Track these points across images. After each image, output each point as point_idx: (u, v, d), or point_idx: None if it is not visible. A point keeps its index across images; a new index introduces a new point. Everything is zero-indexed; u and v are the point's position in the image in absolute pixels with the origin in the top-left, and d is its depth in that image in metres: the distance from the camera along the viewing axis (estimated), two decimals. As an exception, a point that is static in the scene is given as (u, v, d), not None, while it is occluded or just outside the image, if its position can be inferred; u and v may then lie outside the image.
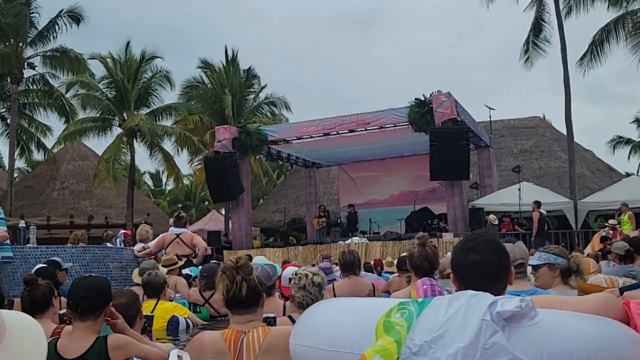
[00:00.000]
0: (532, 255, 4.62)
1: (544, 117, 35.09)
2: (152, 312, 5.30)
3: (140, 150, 30.75)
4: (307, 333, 2.37)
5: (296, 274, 4.03)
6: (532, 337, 1.98)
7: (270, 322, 3.39)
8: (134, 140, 29.10)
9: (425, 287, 3.18)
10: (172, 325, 5.53)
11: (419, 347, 2.03)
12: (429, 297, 2.29)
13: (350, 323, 2.26)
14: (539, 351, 1.94)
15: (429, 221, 21.83)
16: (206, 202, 47.20)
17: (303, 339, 2.37)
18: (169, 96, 30.98)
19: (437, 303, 2.13)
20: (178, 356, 2.51)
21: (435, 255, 4.30)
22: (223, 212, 34.78)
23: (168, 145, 30.99)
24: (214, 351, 2.87)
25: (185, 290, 7.17)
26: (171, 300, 6.24)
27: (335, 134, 21.60)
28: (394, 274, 9.72)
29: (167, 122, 30.97)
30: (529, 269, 4.45)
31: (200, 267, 8.30)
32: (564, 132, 24.52)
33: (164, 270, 7.43)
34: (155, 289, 5.72)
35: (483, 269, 2.34)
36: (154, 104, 30.32)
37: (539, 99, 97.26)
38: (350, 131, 21.14)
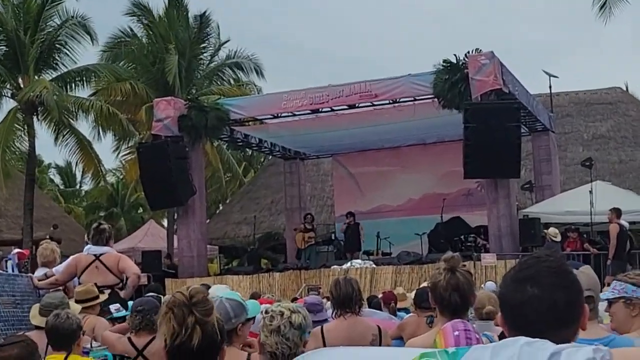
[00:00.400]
0: (609, 284, 4.65)
1: (626, 88, 35.30)
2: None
3: (44, 133, 30.57)
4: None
5: (267, 312, 4.03)
6: None
7: None
8: (34, 118, 28.90)
9: (457, 333, 3.18)
10: None
11: (451, 415, 2.03)
12: (462, 347, 2.29)
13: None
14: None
15: (462, 237, 21.90)
16: (140, 210, 47.14)
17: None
18: (86, 55, 30.89)
19: (476, 354, 2.12)
20: None
21: (470, 285, 4.29)
22: (165, 223, 34.73)
23: (84, 126, 30.85)
24: None
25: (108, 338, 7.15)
26: (87, 354, 6.21)
27: (328, 111, 21.59)
28: (410, 314, 9.76)
29: (84, 93, 30.84)
30: (603, 305, 4.46)
31: (131, 303, 8.27)
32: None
33: (77, 307, 7.39)
34: (64, 338, 5.68)
35: (545, 309, 2.34)
36: (64, 65, 30.15)
37: (619, 64, 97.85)
38: (350, 107, 21.14)
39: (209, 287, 8.69)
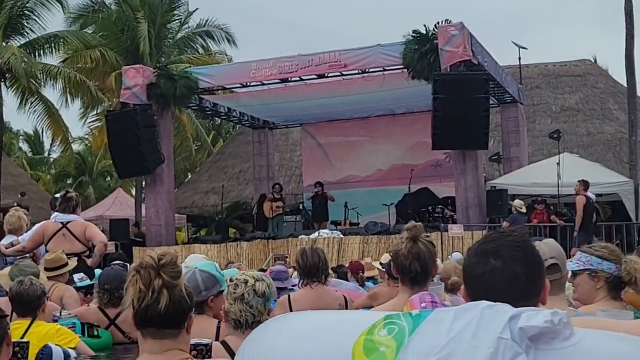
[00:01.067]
0: (574, 256, 4.71)
1: (595, 61, 35.52)
2: (22, 338, 5.26)
3: (11, 100, 30.25)
4: (256, 362, 2.39)
5: (231, 280, 4.05)
6: None
7: (202, 351, 3.37)
8: (2, 84, 28.63)
9: (424, 304, 3.21)
10: (44, 359, 5.51)
11: (413, 375, 2.06)
12: (425, 310, 2.33)
13: (317, 345, 2.28)
14: (575, 384, 1.98)
15: (430, 208, 22.06)
16: (108, 178, 46.87)
17: (249, 370, 2.40)
18: (55, 22, 30.58)
19: (439, 317, 2.16)
20: None
21: (431, 254, 4.29)
22: (134, 192, 34.56)
23: (52, 93, 30.53)
24: None
25: (76, 307, 7.14)
26: (55, 322, 6.21)
27: (297, 81, 21.57)
28: (379, 284, 9.83)
29: (53, 60, 30.51)
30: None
31: (98, 274, 8.25)
32: (624, 82, 24.84)
33: (44, 276, 7.37)
34: (28, 304, 5.66)
35: (506, 282, 2.38)
36: (32, 31, 29.81)
37: (589, 36, 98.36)
38: (319, 77, 21.14)
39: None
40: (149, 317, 2.84)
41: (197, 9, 35.28)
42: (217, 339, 4.21)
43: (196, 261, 6.89)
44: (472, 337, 2.05)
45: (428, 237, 4.42)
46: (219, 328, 4.45)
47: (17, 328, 5.43)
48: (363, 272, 11.11)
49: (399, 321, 2.19)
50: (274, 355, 2.34)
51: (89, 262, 9.31)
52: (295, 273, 8.30)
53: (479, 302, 2.19)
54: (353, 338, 2.19)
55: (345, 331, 2.25)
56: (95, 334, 6.35)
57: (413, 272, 4.20)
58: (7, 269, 7.28)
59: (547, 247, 4.01)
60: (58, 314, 6.46)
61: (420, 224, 4.45)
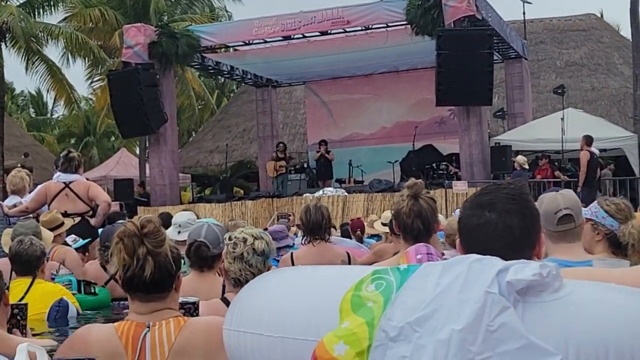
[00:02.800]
0: None
1: (601, 15, 35.22)
2: (24, 296, 5.31)
3: (12, 59, 30.16)
4: (247, 316, 2.41)
5: (230, 239, 4.06)
6: (555, 317, 2.01)
7: (190, 309, 3.41)
8: (2, 44, 28.52)
9: (419, 256, 3.21)
10: (60, 311, 5.56)
11: (399, 330, 2.06)
12: (413, 264, 2.34)
13: (305, 300, 2.30)
14: (563, 336, 1.97)
15: (434, 165, 22.04)
16: (112, 138, 46.85)
17: (241, 323, 2.41)
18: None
19: (426, 271, 2.16)
20: (29, 352, 2.45)
21: (433, 211, 4.32)
22: (137, 151, 34.60)
23: (54, 52, 30.41)
24: (104, 353, 2.85)
25: (78, 269, 7.17)
26: (52, 279, 6.26)
27: (300, 38, 21.46)
28: (382, 241, 9.86)
29: (53, 19, 30.37)
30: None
31: (100, 232, 8.29)
32: (629, 36, 24.67)
33: (50, 235, 7.41)
34: (28, 264, 5.69)
35: (499, 234, 2.40)
36: (32, -11, 29.63)
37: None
38: (322, 34, 21.03)
39: (169, 216, 8.69)
40: (135, 284, 2.91)
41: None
42: (222, 296, 4.25)
43: (182, 218, 6.94)
44: (459, 291, 2.06)
45: (428, 193, 4.43)
46: (224, 286, 4.47)
47: (17, 285, 5.49)
48: (362, 231, 11.11)
49: (387, 276, 2.19)
50: (263, 309, 2.37)
51: (92, 221, 9.35)
52: (300, 232, 8.32)
53: (467, 256, 2.20)
54: (341, 293, 2.21)
55: (333, 286, 2.26)
56: (92, 291, 6.41)
57: (415, 229, 4.22)
58: (11, 230, 7.32)
59: (562, 198, 4.05)
60: (55, 272, 6.51)
61: (420, 180, 4.47)
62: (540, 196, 4.33)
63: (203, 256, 4.80)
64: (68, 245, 7.98)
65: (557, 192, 4.15)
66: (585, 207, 4.65)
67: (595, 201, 4.72)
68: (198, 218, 9.57)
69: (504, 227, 2.40)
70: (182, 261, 3.20)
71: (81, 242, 8.22)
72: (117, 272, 6.54)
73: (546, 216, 3.83)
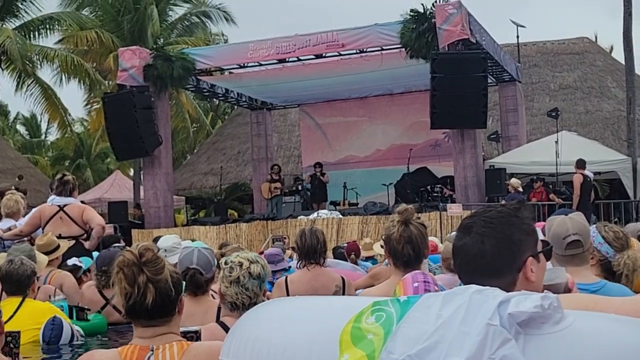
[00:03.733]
0: None
1: (595, 39, 35.41)
2: (13, 315, 5.29)
3: (6, 82, 30.22)
4: (245, 347, 2.39)
5: (226, 263, 4.08)
6: (556, 349, 2.00)
7: (192, 338, 3.43)
8: (-2, 67, 28.62)
9: (416, 284, 3.20)
10: (53, 330, 5.52)
11: (400, 363, 2.06)
12: (413, 295, 2.33)
13: (304, 331, 2.29)
14: (565, 368, 1.98)
15: (428, 187, 22.02)
16: (107, 160, 46.81)
17: (239, 354, 2.40)
18: (50, 3, 30.47)
19: (427, 302, 2.15)
20: None
21: (423, 237, 4.32)
22: (132, 173, 34.55)
23: (49, 74, 30.42)
24: None
25: (76, 294, 7.12)
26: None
27: (295, 61, 21.49)
28: (379, 264, 9.82)
29: (48, 41, 30.45)
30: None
31: (95, 254, 8.25)
32: (622, 60, 24.78)
33: (45, 258, 7.37)
34: (18, 283, 5.67)
35: (473, 257, 2.41)
36: (27, 13, 29.73)
37: (587, 14, 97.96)
38: (317, 57, 21.06)
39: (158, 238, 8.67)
40: (138, 311, 2.93)
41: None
42: (217, 320, 4.26)
43: (167, 242, 6.93)
44: (461, 323, 2.05)
45: (419, 218, 4.43)
46: (219, 308, 4.49)
47: (6, 305, 5.46)
48: (357, 254, 11.09)
49: (387, 308, 2.18)
50: (261, 341, 2.35)
51: (87, 244, 9.31)
52: (295, 255, 8.28)
53: (467, 286, 2.19)
54: (341, 324, 2.19)
55: (333, 318, 2.25)
56: (85, 317, 6.36)
57: (405, 255, 4.23)
58: (5, 254, 7.28)
59: (571, 223, 4.09)
60: (52, 298, 6.48)
61: (410, 206, 4.50)
62: (549, 218, 4.34)
63: (199, 283, 4.83)
64: (69, 267, 7.94)
65: (567, 215, 4.17)
66: None
67: (595, 225, 4.71)
68: (193, 241, 9.55)
69: (477, 251, 2.40)
70: None
71: (78, 263, 8.18)
72: (113, 297, 6.56)
73: (555, 240, 3.88)
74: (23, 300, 5.65)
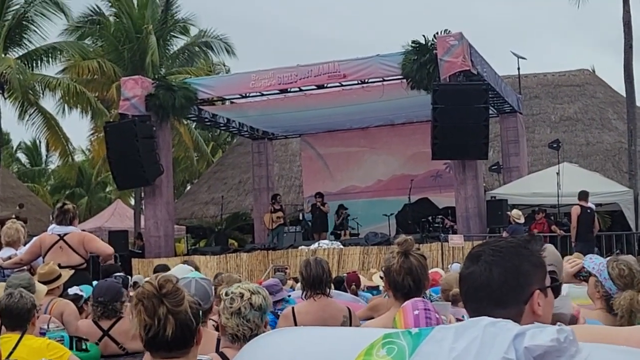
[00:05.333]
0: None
1: (593, 70, 35.55)
2: (11, 352, 5.21)
3: (8, 110, 30.27)
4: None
5: (227, 294, 4.05)
6: None
7: None
8: (0, 95, 28.68)
9: (416, 312, 3.17)
10: None
11: (413, 399, 2.01)
12: (424, 327, 2.29)
13: (314, 364, 2.26)
14: (581, 402, 1.94)
15: (430, 218, 22.02)
16: (108, 189, 46.86)
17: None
18: (54, 32, 30.79)
19: (440, 335, 2.11)
20: None
21: (424, 268, 4.30)
22: (133, 202, 34.55)
23: (51, 102, 30.50)
24: None
25: (75, 323, 7.05)
26: (43, 334, 6.13)
27: (296, 91, 21.56)
28: (379, 295, 9.76)
29: (51, 70, 30.57)
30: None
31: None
32: (623, 92, 24.86)
33: (44, 288, 7.31)
34: (18, 317, 5.59)
35: (479, 286, 2.37)
36: (31, 42, 29.88)
37: (589, 47, 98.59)
38: (319, 87, 21.15)
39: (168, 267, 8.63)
40: (157, 343, 2.91)
41: (193, 22, 35.14)
42: (216, 351, 4.20)
43: (192, 272, 6.88)
44: (475, 356, 2.02)
45: (419, 249, 4.41)
46: (219, 340, 4.42)
47: (6, 342, 5.39)
48: (357, 285, 11.04)
49: (398, 340, 2.14)
50: None
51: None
52: (298, 284, 8.23)
53: (480, 318, 2.15)
54: (350, 358, 2.15)
55: (342, 350, 2.21)
56: (84, 347, 6.29)
57: (406, 287, 4.21)
58: (4, 283, 7.22)
59: (547, 254, 4.00)
60: (45, 327, 6.40)
61: (410, 237, 4.48)
62: None
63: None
64: (70, 297, 7.87)
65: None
66: None
67: (607, 259, 4.71)
68: (197, 269, 9.48)
69: (484, 279, 2.37)
70: None
71: (79, 292, 8.12)
72: (111, 328, 6.48)
73: None
74: (22, 336, 5.57)
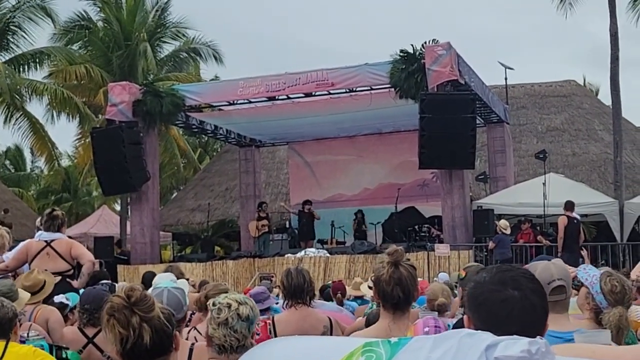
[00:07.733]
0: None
1: (584, 82, 35.73)
2: (0, 357, 5.23)
3: (-4, 115, 30.16)
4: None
5: (214, 305, 4.01)
6: None
7: None
8: (-15, 100, 28.64)
9: (427, 329, 3.18)
10: None
11: (389, 405, 2.04)
12: (404, 337, 2.33)
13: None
14: (552, 417, 1.98)
15: (416, 227, 22.04)
16: (93, 194, 46.64)
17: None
18: (41, 37, 30.58)
19: (417, 345, 2.14)
20: None
21: (413, 279, 4.24)
22: (118, 208, 34.42)
23: (38, 108, 30.40)
24: None
25: (60, 330, 7.06)
26: (22, 342, 6.14)
27: (284, 99, 21.57)
28: (365, 304, 9.80)
29: (38, 75, 30.50)
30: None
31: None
32: (609, 103, 24.99)
33: (27, 295, 7.30)
34: (0, 327, 5.63)
35: (522, 310, 2.43)
36: (18, 47, 29.81)
37: (576, 58, 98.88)
38: (307, 95, 21.17)
39: (153, 275, 8.63)
40: (137, 353, 2.90)
41: (186, 27, 35.08)
42: None
43: (165, 281, 6.89)
44: (448, 365, 2.06)
45: (408, 260, 4.40)
46: (191, 350, 4.42)
47: None
48: (343, 294, 11.04)
49: (377, 349, 2.18)
50: None
51: (76, 283, 9.24)
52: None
53: (460, 330, 2.18)
54: None
55: (323, 358, 2.26)
56: (64, 356, 6.29)
57: (395, 297, 4.13)
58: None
59: (555, 268, 4.09)
60: (25, 335, 6.40)
61: (400, 247, 4.39)
62: (531, 263, 4.36)
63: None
64: (56, 305, 7.86)
65: (550, 261, 4.21)
66: None
67: (602, 272, 4.71)
68: (182, 274, 9.49)
69: (529, 305, 2.44)
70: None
71: (65, 301, 8.11)
72: (96, 336, 6.48)
73: None
74: (7, 345, 5.58)
